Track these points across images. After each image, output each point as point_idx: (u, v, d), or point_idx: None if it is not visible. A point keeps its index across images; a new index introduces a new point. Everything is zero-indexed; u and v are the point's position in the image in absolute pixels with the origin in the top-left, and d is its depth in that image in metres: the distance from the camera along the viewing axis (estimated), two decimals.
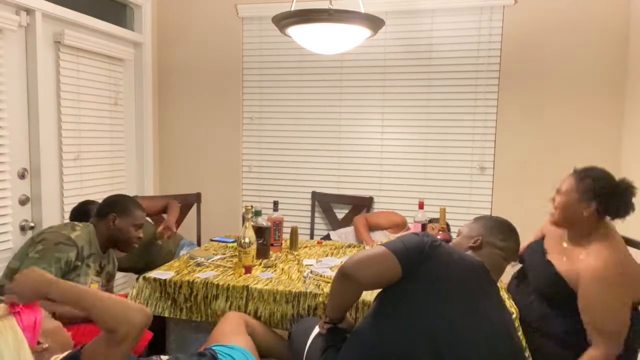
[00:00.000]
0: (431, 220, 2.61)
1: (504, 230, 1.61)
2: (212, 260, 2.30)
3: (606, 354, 1.59)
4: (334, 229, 3.35)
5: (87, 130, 3.06)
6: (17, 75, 2.59)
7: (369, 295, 1.78)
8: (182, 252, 2.79)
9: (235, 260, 2.27)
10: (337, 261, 2.31)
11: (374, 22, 2.13)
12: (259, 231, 2.34)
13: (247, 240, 2.18)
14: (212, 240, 2.79)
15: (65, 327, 1.40)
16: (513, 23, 3.09)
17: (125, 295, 2.05)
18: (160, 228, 2.69)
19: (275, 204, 2.59)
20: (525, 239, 1.96)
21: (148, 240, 2.70)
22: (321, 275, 2.09)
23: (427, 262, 1.44)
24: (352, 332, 1.57)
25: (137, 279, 2.11)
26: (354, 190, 3.42)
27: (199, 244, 3.36)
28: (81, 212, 2.43)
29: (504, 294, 1.89)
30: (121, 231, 2.18)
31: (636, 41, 2.84)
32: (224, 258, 2.35)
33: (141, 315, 1.25)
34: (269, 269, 2.22)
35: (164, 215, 2.93)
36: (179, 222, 3.02)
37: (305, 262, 2.33)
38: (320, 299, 1.90)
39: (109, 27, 3.16)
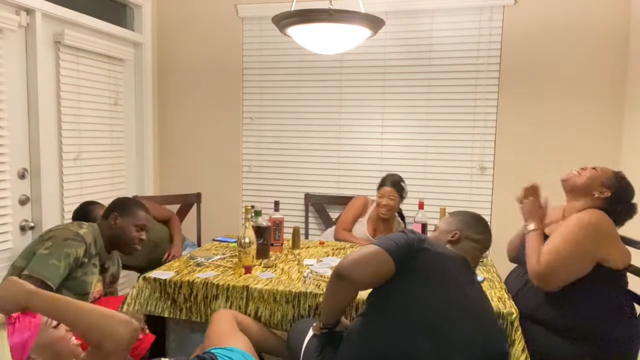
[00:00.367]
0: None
1: (479, 224, 1.71)
2: (212, 260, 2.30)
3: (537, 271, 1.77)
4: None
5: (87, 130, 3.06)
6: (17, 75, 2.59)
7: (365, 295, 1.77)
8: (184, 253, 2.81)
9: (235, 260, 2.27)
10: (338, 261, 2.30)
11: (374, 22, 2.13)
12: (259, 231, 2.34)
13: (247, 240, 2.18)
14: (214, 240, 2.79)
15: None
16: (513, 23, 3.09)
17: (125, 297, 2.05)
18: (166, 256, 2.76)
19: (277, 204, 2.59)
20: None
21: (154, 243, 2.74)
22: (321, 275, 2.09)
23: (417, 256, 1.51)
24: (348, 331, 1.58)
25: (138, 278, 2.11)
26: (354, 190, 3.41)
27: (199, 244, 3.36)
28: (82, 212, 2.45)
29: (504, 294, 1.91)
30: (122, 230, 2.18)
31: (636, 41, 2.84)
32: (224, 258, 2.35)
33: (128, 329, 1.19)
34: (269, 269, 2.22)
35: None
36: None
37: (306, 262, 2.33)
38: (320, 299, 1.90)
39: (109, 27, 3.16)
